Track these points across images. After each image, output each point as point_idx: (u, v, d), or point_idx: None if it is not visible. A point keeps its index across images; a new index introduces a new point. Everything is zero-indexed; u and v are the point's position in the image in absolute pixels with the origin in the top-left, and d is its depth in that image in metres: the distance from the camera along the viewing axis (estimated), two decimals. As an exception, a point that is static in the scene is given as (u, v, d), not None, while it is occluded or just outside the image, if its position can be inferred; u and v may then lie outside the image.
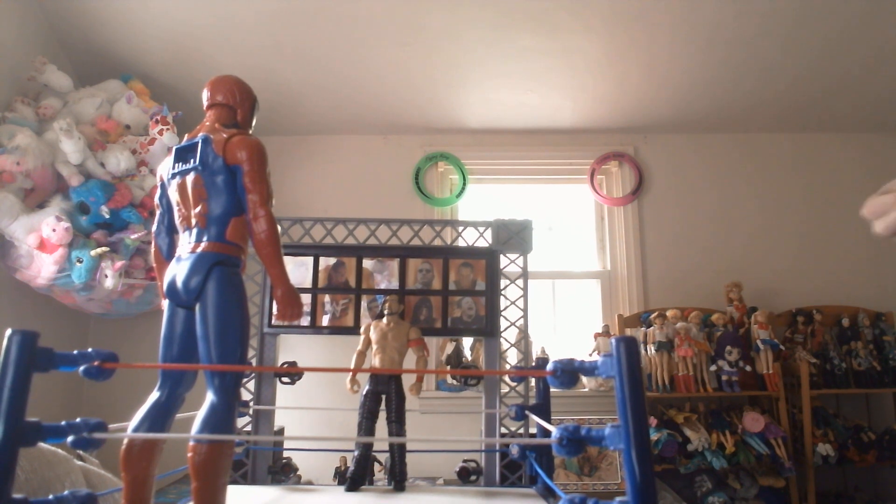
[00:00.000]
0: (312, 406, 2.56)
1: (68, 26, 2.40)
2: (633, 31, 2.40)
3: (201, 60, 2.52)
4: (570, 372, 0.69)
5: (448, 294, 1.70)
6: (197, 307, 0.96)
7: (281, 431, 2.18)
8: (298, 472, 1.74)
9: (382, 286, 1.71)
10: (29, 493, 1.09)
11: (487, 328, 1.67)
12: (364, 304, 1.70)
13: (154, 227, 1.11)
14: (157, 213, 1.10)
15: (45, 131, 2.07)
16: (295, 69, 2.60)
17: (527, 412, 1.43)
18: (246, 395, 1.61)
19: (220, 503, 0.90)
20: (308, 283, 1.69)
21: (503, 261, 1.72)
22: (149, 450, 0.92)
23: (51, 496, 0.67)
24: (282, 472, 1.64)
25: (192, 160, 1.01)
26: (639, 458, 0.59)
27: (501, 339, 1.69)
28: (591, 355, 2.64)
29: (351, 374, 1.55)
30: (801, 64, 2.57)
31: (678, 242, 2.92)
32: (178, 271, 0.98)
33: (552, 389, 1.21)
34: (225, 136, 1.02)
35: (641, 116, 2.92)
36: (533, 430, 1.58)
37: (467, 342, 2.73)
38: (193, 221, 1.00)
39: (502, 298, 1.71)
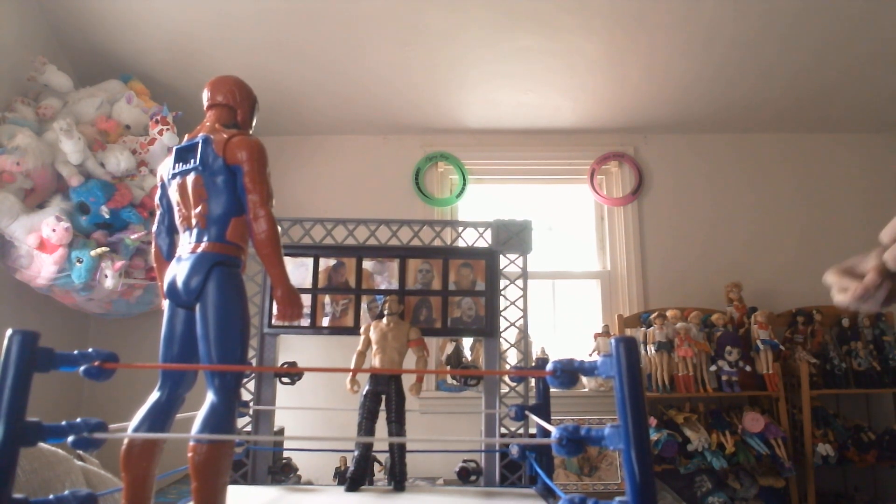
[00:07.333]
0: (312, 406, 2.56)
1: (68, 26, 2.40)
2: (633, 31, 2.40)
3: (201, 60, 2.52)
4: (569, 372, 0.69)
5: (448, 294, 1.69)
6: (197, 307, 0.96)
7: (281, 431, 2.18)
8: (298, 473, 1.74)
9: (382, 287, 1.71)
10: (29, 493, 1.09)
11: (487, 328, 1.67)
12: (364, 304, 1.70)
13: (154, 228, 1.10)
14: (158, 213, 1.10)
15: (45, 131, 2.07)
16: (295, 69, 2.60)
17: (527, 412, 1.43)
18: (246, 396, 1.61)
19: (220, 503, 0.90)
20: (308, 284, 1.69)
21: (503, 261, 1.72)
22: (149, 450, 0.92)
23: (51, 496, 0.67)
24: (282, 473, 1.64)
25: (192, 160, 1.01)
26: (638, 458, 0.59)
27: (501, 340, 1.69)
28: (590, 355, 2.64)
29: (351, 374, 1.55)
30: (801, 64, 2.58)
31: (678, 242, 2.92)
32: (178, 271, 0.98)
33: (552, 389, 1.21)
34: (225, 136, 1.02)
35: (641, 116, 2.92)
36: (533, 430, 1.58)
37: (467, 342, 2.73)
38: (194, 221, 1.00)
39: (502, 299, 1.70)
